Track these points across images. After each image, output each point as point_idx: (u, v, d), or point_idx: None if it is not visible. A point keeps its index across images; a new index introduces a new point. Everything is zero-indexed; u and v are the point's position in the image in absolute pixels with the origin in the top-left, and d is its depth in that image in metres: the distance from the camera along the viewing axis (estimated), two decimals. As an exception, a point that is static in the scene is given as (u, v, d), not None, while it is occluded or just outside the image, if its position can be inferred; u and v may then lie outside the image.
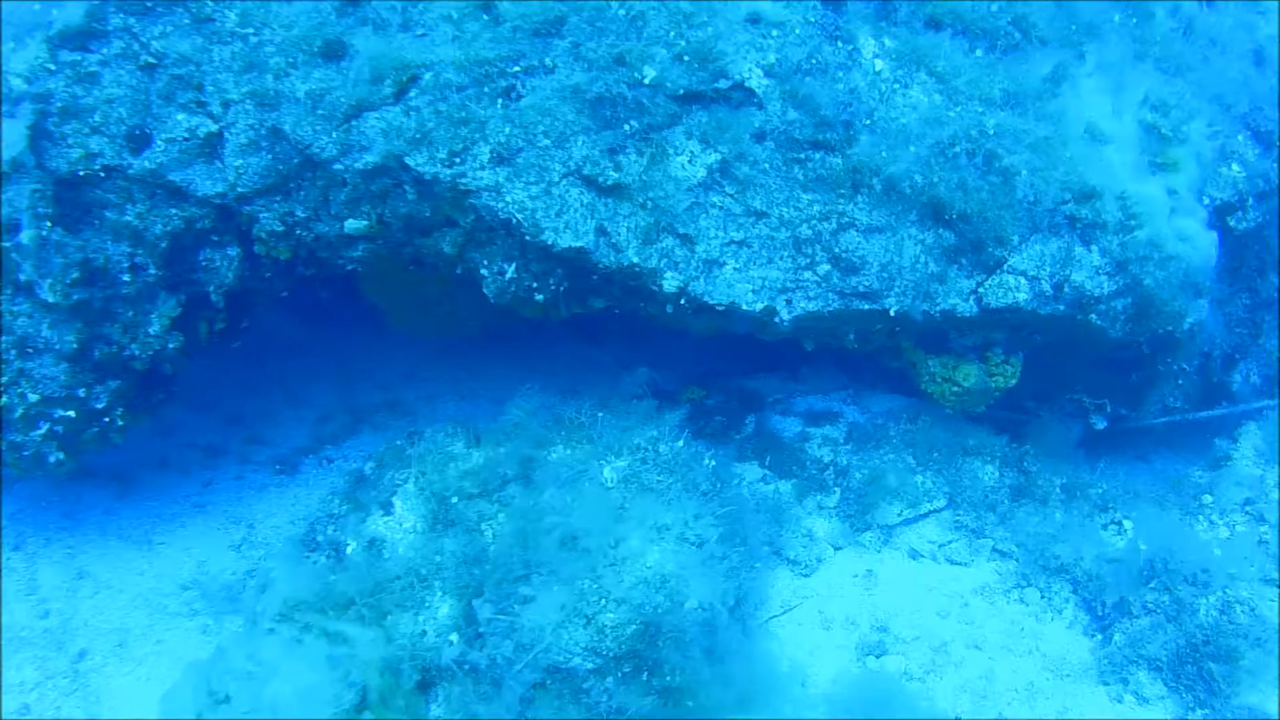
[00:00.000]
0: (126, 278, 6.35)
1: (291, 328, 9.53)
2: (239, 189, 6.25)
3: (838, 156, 6.08)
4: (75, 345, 6.30)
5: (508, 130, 5.88)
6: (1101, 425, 7.49)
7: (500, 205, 5.86)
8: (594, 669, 5.27)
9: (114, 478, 7.78)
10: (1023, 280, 6.29)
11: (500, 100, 5.97)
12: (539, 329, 8.89)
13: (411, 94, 5.97)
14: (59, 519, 7.44)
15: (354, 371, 9.29)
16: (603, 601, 5.35)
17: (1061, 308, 6.42)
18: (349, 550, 5.98)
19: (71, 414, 6.50)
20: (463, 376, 9.21)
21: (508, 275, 6.13)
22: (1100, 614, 6.43)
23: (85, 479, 7.69)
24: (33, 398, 6.38)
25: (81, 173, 6.19)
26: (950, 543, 6.89)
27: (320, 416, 8.67)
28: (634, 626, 5.30)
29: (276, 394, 8.94)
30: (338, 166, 6.07)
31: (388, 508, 6.04)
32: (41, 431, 6.50)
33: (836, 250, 6.08)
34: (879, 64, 6.32)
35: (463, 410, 8.69)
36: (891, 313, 6.21)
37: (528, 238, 5.90)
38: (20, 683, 6.27)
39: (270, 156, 6.19)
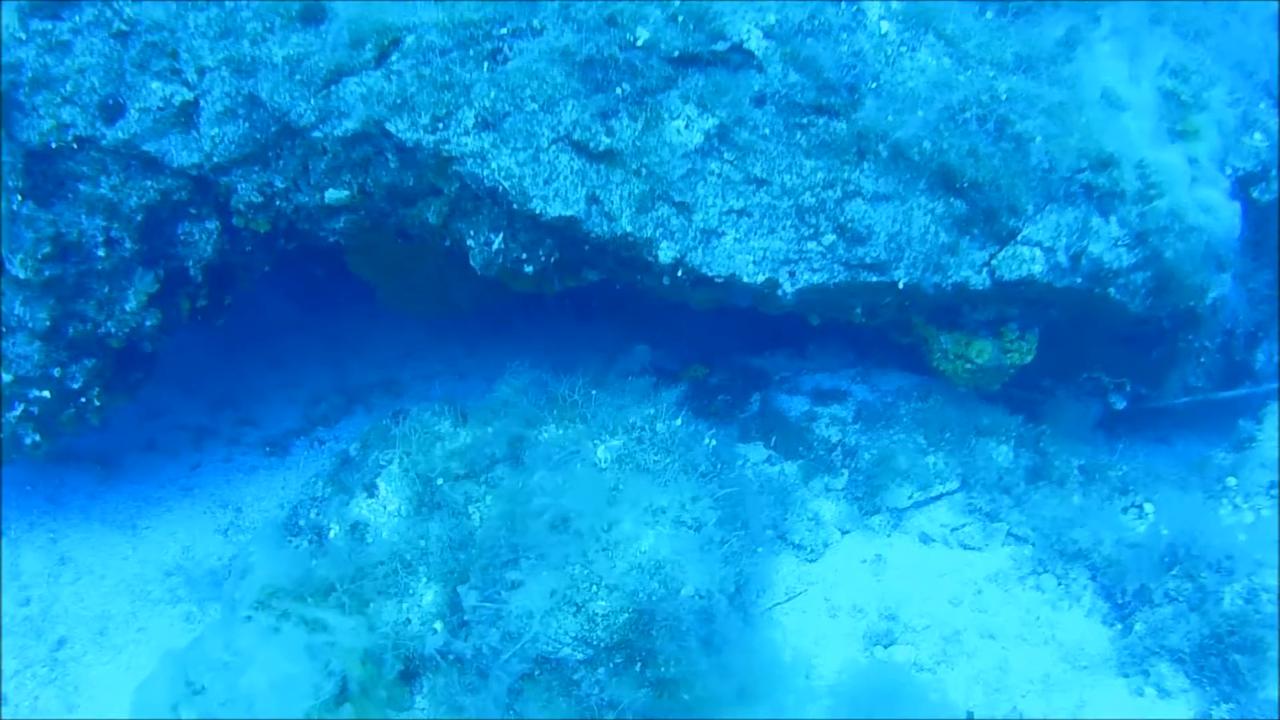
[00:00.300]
0: (101, 252, 6.14)
1: (285, 306, 9.36)
2: (215, 159, 6.01)
3: (842, 121, 5.82)
4: (48, 323, 6.10)
5: (493, 94, 5.62)
6: (1121, 405, 7.23)
7: (485, 172, 5.61)
8: (584, 660, 5.03)
9: (99, 461, 7.63)
10: (1038, 252, 6.03)
11: (486, 63, 5.71)
12: (538, 306, 8.70)
13: (393, 58, 5.72)
14: (42, 503, 7.32)
15: (349, 351, 9.11)
16: (594, 588, 5.09)
17: (1078, 281, 6.16)
18: (331, 534, 5.75)
19: (47, 394, 6.32)
20: (460, 355, 9.01)
21: (495, 246, 5.89)
22: (1120, 602, 6.15)
23: (70, 462, 7.58)
24: (6, 378, 6.21)
25: (53, 144, 5.98)
26: (963, 526, 6.61)
27: (313, 397, 8.46)
28: (626, 615, 5.05)
29: (269, 374, 8.78)
30: (317, 134, 5.82)
31: (371, 490, 5.81)
32: (16, 413, 6.35)
33: (842, 220, 5.83)
34: (885, 26, 6.06)
35: (460, 389, 8.48)
36: (900, 285, 5.97)
37: (515, 206, 5.65)
38: (-2, 671, 6.10)
39: (247, 125, 5.96)
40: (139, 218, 6.16)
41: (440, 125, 5.63)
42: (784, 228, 5.84)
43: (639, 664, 5.04)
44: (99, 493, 7.43)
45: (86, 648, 6.38)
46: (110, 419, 7.34)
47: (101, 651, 6.37)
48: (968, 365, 6.54)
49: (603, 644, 5.02)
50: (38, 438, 6.44)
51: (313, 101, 5.78)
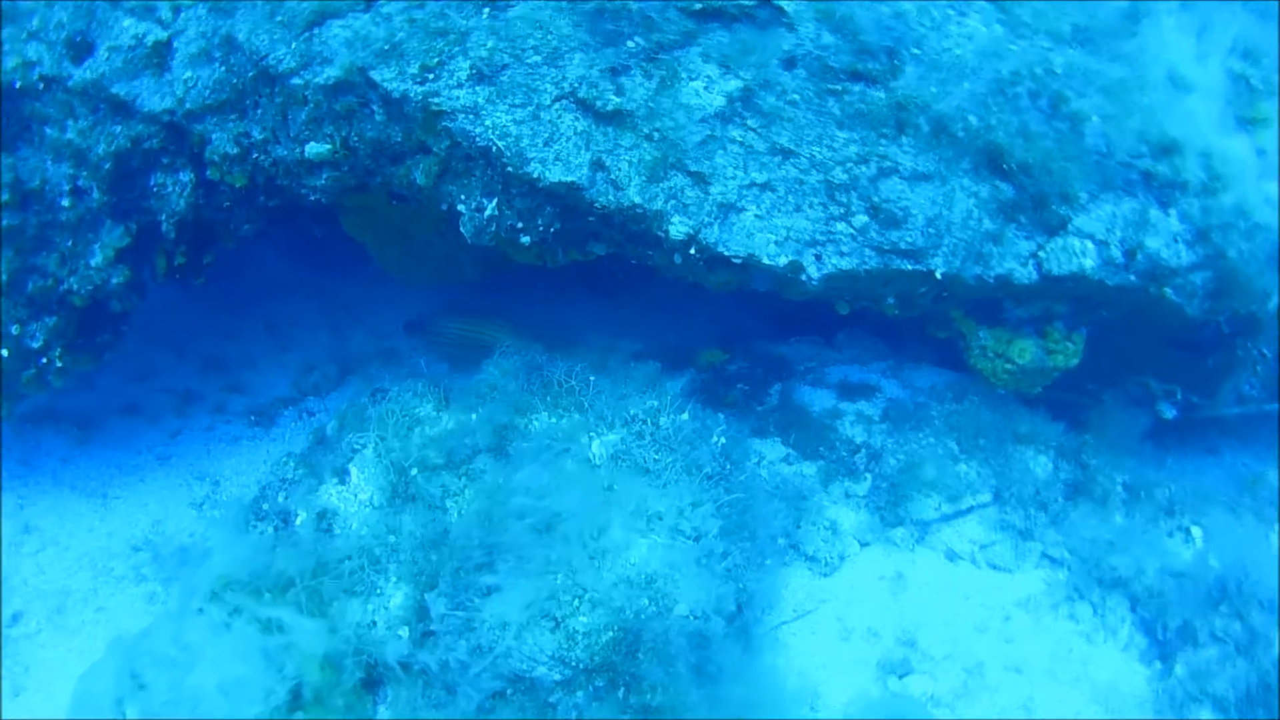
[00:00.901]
0: (66, 202, 5.72)
1: (286, 267, 8.99)
2: (188, 104, 5.56)
3: (880, 90, 5.35)
4: (5, 276, 5.69)
5: (492, 44, 5.15)
6: (1171, 414, 6.75)
7: (478, 130, 5.12)
8: (561, 681, 4.57)
9: (77, 423, 7.20)
10: (1090, 245, 5.58)
11: (486, 9, 5.24)
12: (549, 279, 8.25)
13: (383, -1, 5.26)
14: (14, 466, 6.92)
15: (349, 317, 8.70)
16: (576, 602, 4.62)
17: (1132, 278, 5.70)
18: (298, 522, 5.28)
19: (4, 353, 5.93)
20: (466, 328, 8.56)
21: (487, 213, 5.38)
22: (1161, 639, 5.69)
23: (48, 423, 7.18)
24: (-41, 334, 5.79)
25: (18, 84, 5.56)
26: (993, 544, 6.13)
27: (306, 365, 8.03)
28: (610, 634, 4.58)
29: (264, 338, 8.36)
30: (296, 81, 5.34)
31: (343, 476, 5.33)
32: (-27, 371, 5.92)
33: (876, 199, 5.35)
34: (932, -14, 5.60)
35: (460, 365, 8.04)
36: (938, 275, 5.49)
37: (510, 169, 5.17)
38: (-55, 648, 5.72)
39: (223, 69, 5.50)
40: (108, 166, 5.74)
41: (430, 76, 5.15)
42: (811, 205, 5.37)
43: (622, 690, 4.60)
44: (72, 457, 7.03)
45: (42, 625, 5.98)
46: (94, 379, 6.99)
47: (56, 631, 5.96)
48: (1008, 365, 6.12)
49: (582, 665, 4.58)
50: (-5, 398, 6.04)
51: (294, 45, 5.32)
